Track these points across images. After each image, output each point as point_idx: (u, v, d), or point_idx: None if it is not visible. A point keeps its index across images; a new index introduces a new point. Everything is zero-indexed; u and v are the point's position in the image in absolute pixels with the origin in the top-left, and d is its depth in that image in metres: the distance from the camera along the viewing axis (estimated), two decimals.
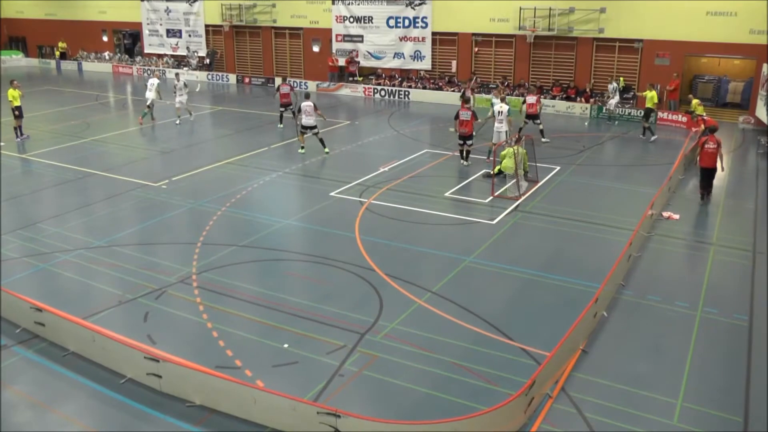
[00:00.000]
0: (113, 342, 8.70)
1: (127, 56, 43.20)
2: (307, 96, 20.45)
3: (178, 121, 24.97)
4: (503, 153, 16.58)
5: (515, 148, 16.36)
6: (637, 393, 8.27)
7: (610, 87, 25.85)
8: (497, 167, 16.62)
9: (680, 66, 26.20)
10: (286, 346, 9.36)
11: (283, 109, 24.41)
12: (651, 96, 22.68)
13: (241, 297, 10.86)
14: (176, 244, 13.38)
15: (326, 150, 20.07)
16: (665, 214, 14.68)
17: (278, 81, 27.50)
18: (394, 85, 32.04)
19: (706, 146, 15.66)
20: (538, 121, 21.43)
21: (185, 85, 24.97)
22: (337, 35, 34.21)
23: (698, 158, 16.15)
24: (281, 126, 24.47)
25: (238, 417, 7.78)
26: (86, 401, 8.31)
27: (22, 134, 22.28)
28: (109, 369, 8.76)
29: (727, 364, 9.00)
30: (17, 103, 21.97)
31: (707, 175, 15.77)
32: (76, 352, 9.13)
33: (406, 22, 32.02)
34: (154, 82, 24.96)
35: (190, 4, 38.83)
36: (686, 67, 26.90)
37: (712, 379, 8.66)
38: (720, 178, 16.39)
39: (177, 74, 26.09)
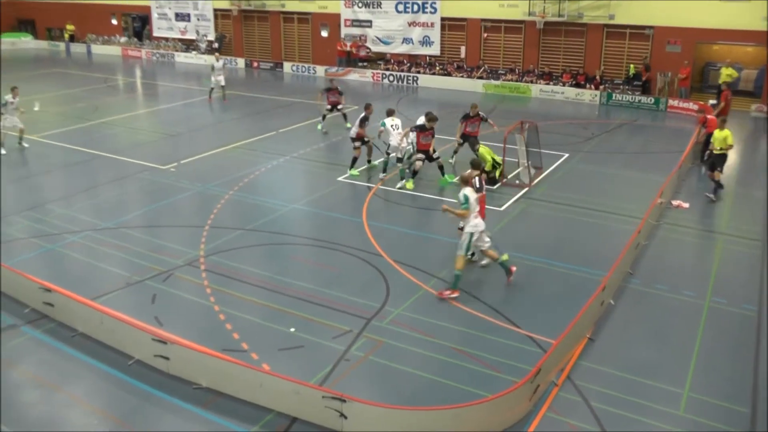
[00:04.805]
0: (121, 323, 8.74)
1: (136, 39, 43.13)
2: None
3: (26, 144, 19.34)
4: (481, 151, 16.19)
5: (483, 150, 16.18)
6: (643, 382, 8.25)
7: None
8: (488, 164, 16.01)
9: (691, 53, 25.92)
10: (292, 330, 9.38)
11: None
12: (724, 137, 15.11)
13: (248, 281, 10.88)
14: (184, 227, 13.40)
15: None
16: (675, 202, 14.58)
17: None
18: (402, 71, 31.90)
19: (709, 116, 17.34)
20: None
21: (11, 103, 18.76)
22: (345, 20, 34.00)
23: (705, 130, 17.21)
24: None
25: (244, 400, 7.82)
26: (94, 382, 8.37)
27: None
28: (116, 350, 8.81)
29: (735, 355, 8.96)
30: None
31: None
32: (85, 333, 9.19)
33: (415, 8, 31.78)
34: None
35: None
36: (697, 54, 26.59)
37: (719, 370, 8.62)
38: (730, 167, 16.23)
39: (13, 88, 19.08)
